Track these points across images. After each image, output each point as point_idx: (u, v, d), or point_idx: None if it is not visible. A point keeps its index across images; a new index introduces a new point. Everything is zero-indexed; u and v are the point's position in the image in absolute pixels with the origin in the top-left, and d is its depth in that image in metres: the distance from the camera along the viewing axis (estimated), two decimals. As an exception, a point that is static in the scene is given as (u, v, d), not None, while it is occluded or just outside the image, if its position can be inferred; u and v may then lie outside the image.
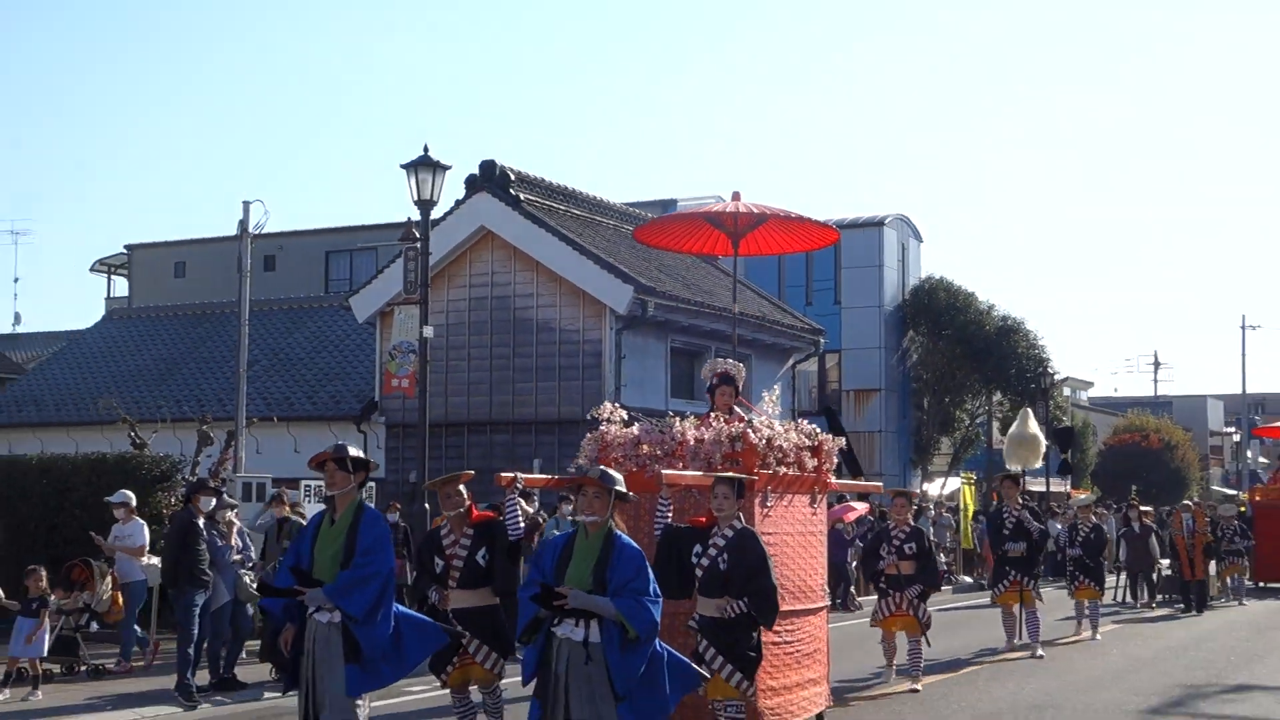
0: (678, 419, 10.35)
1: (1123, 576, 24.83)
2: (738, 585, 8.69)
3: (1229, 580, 25.35)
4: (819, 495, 11.11)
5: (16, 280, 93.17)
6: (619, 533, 7.17)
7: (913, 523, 14.21)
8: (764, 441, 9.99)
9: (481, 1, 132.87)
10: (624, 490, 7.35)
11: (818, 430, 10.87)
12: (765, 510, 10.01)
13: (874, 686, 13.58)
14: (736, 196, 11.82)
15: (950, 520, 29.55)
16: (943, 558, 30.11)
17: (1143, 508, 24.96)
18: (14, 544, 15.87)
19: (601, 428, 10.37)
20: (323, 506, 20.19)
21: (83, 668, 14.24)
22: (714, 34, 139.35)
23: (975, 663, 15.62)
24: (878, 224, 39.05)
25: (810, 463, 10.64)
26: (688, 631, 9.07)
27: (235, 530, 14.20)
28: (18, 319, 51.67)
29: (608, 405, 10.49)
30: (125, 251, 40.73)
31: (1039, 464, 28.07)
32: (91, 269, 47.65)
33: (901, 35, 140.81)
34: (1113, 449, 51.41)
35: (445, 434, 24.49)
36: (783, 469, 10.29)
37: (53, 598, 13.73)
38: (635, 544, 7.14)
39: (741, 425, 10.11)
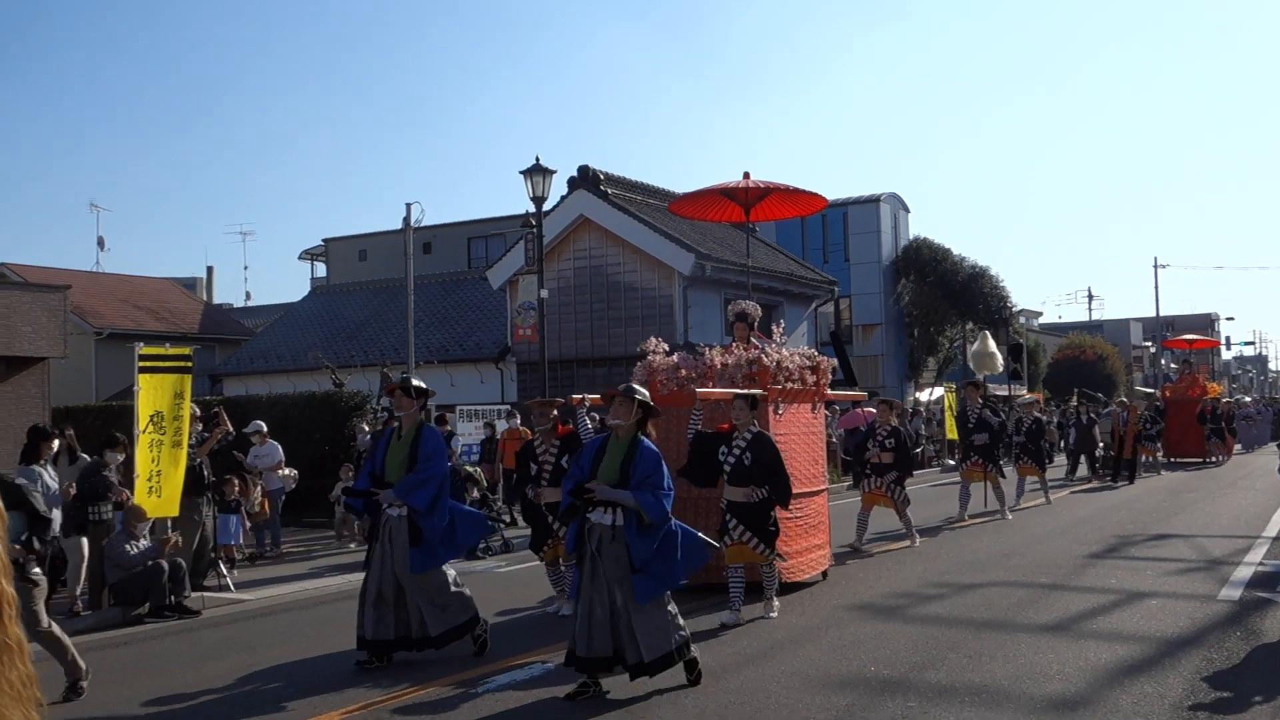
0: (708, 348, 9.81)
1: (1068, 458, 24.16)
2: (761, 476, 8.23)
3: (1153, 457, 24.27)
4: (818, 403, 10.51)
5: (246, 268, 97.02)
6: (643, 437, 6.51)
7: (894, 424, 13.10)
8: (774, 364, 9.49)
9: (576, 53, 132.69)
10: (647, 401, 6.64)
11: (815, 353, 10.27)
12: (778, 416, 9.49)
13: (880, 544, 12.92)
14: (746, 176, 11.12)
15: (939, 416, 28.78)
16: (933, 447, 29.31)
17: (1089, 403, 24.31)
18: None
19: (649, 357, 9.85)
20: (478, 425, 19.99)
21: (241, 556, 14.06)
22: (746, 65, 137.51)
23: (959, 524, 14.91)
24: (875, 200, 38.03)
25: (810, 379, 10.09)
26: (718, 511, 8.59)
27: None
28: (248, 296, 52.54)
29: (652, 340, 9.94)
30: (323, 244, 40.64)
31: (999, 371, 26.99)
32: (299, 257, 47.97)
33: (892, 45, 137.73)
34: (1058, 362, 49.94)
35: (559, 369, 24.21)
36: (790, 384, 9.76)
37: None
38: (654, 447, 6.49)
39: (756, 352, 9.59)
